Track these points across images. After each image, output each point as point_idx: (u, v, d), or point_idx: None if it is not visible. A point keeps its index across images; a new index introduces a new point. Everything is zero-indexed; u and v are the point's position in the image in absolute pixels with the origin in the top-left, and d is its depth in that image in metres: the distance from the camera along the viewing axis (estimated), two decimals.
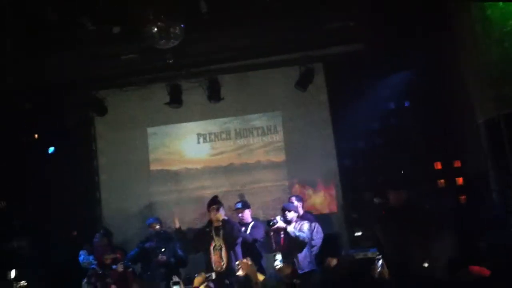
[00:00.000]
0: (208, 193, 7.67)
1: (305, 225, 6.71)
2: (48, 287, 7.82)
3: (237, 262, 6.09)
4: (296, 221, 6.75)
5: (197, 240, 6.83)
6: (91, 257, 7.50)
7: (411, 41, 7.60)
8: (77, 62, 7.83)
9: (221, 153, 8.91)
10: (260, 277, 5.17)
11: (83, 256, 7.57)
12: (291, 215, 6.76)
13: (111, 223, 8.58)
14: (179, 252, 7.44)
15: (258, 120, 8.98)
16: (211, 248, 6.52)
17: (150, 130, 9.11)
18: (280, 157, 8.79)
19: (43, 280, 7.76)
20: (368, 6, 6.95)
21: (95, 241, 7.58)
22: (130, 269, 7.30)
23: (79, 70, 8.19)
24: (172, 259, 7.35)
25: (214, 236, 6.53)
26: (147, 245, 7.49)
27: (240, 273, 5.77)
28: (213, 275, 6.33)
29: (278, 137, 8.86)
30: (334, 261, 5.56)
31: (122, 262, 7.24)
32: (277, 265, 6.29)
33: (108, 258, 7.35)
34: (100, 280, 7.11)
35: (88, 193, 9.12)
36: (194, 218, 8.37)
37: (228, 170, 8.82)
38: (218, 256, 6.43)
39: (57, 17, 6.31)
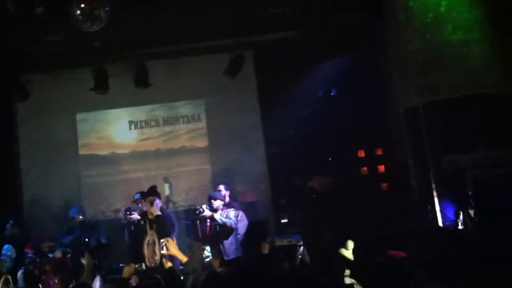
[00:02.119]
0: (136, 176, 8.30)
1: (231, 212, 6.75)
2: None
3: (162, 240, 5.82)
4: (222, 209, 6.77)
5: (133, 233, 6.68)
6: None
7: (342, 29, 7.73)
8: None
9: (148, 138, 9.08)
10: (184, 258, 5.11)
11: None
12: (217, 203, 6.77)
13: (33, 210, 8.45)
14: (104, 240, 7.30)
15: (183, 108, 9.15)
16: (145, 242, 6.35)
17: (79, 116, 9.05)
18: (203, 142, 9.02)
19: None
20: None
21: (6, 232, 7.36)
22: (69, 255, 7.06)
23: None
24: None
25: (148, 230, 6.36)
26: (69, 238, 7.30)
27: (164, 251, 5.63)
28: (143, 266, 6.17)
29: (201, 124, 9.07)
30: (266, 246, 5.59)
31: (60, 249, 7.02)
32: (206, 257, 6.25)
33: (46, 246, 7.12)
34: (39, 268, 6.83)
35: (7, 179, 8.72)
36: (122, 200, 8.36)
37: (155, 154, 8.97)
38: (152, 251, 6.24)
39: None
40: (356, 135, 8.41)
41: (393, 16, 7.16)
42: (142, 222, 6.51)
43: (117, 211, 8.02)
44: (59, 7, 6.26)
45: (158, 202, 6.51)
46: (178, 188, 8.23)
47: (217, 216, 6.63)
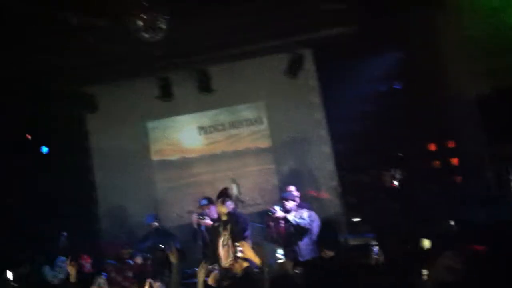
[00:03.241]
0: (205, 178, 8.83)
1: (305, 213, 6.70)
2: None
3: (237, 243, 5.82)
4: (295, 210, 6.72)
5: (207, 235, 6.81)
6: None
7: (401, 21, 7.52)
8: (62, 57, 7.72)
9: (215, 142, 9.32)
10: (258, 260, 5.10)
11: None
12: (290, 204, 6.73)
13: (110, 220, 8.83)
14: (178, 247, 7.41)
15: (246, 111, 9.31)
16: (219, 243, 6.37)
17: (150, 124, 9.39)
18: (266, 143, 9.18)
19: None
20: None
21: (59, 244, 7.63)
22: (150, 261, 7.25)
23: (64, 65, 8.07)
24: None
25: (222, 231, 6.41)
26: (145, 245, 7.47)
27: (239, 254, 5.64)
28: (216, 266, 6.21)
29: (263, 126, 9.22)
30: (330, 253, 5.51)
31: (141, 255, 7.21)
32: (278, 260, 6.21)
33: (125, 253, 7.33)
34: (120, 274, 7.03)
35: (82, 192, 9.03)
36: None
37: (221, 157, 9.20)
38: (226, 252, 6.21)
39: (43, 11, 6.22)
40: (425, 127, 8.13)
41: (455, 4, 6.90)
42: (216, 224, 6.55)
43: (190, 212, 8.12)
44: (121, 19, 6.44)
45: (229, 203, 6.54)
46: (244, 188, 8.45)
47: (290, 217, 6.59)
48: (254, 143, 9.22)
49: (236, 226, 6.34)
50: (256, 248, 5.87)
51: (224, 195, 6.55)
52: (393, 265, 4.46)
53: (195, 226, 7.14)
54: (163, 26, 6.11)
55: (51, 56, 7.63)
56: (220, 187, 7.49)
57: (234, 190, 8.50)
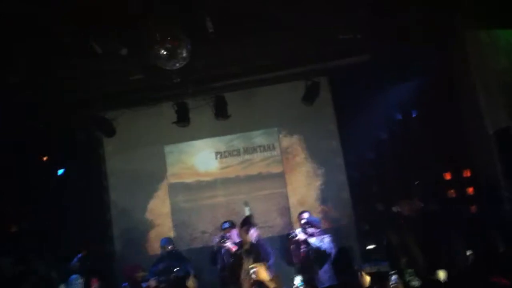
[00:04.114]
0: (219, 200, 9.10)
1: (326, 239, 6.70)
2: None
3: (251, 266, 5.69)
4: (317, 235, 6.73)
5: (229, 261, 6.80)
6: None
7: (418, 50, 7.59)
8: (84, 83, 7.86)
9: (229, 166, 9.48)
10: (271, 285, 5.07)
11: None
12: (312, 229, 6.74)
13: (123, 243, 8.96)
14: (192, 271, 7.43)
15: (259, 137, 9.50)
16: (241, 272, 6.40)
17: (167, 148, 9.56)
18: (278, 168, 9.36)
19: None
20: (374, 18, 6.94)
21: (72, 264, 7.71)
22: (163, 285, 7.28)
23: (86, 91, 8.22)
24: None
25: (244, 259, 6.45)
26: (159, 267, 7.51)
27: (254, 276, 5.61)
28: None
29: (275, 152, 9.41)
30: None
31: (154, 278, 7.25)
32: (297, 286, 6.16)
33: (139, 276, 7.40)
34: None
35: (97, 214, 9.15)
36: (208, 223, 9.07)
37: (235, 181, 9.35)
38: (248, 282, 6.17)
39: (67, 39, 6.37)
40: (440, 157, 8.16)
41: (475, 37, 6.96)
42: (238, 252, 6.57)
43: (204, 232, 8.91)
44: (140, 46, 6.56)
45: (253, 232, 6.56)
46: (256, 211, 8.59)
47: (312, 240, 6.58)
48: (266, 168, 9.36)
49: (259, 255, 6.35)
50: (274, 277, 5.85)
51: (248, 223, 6.57)
52: None
53: (215, 248, 7.18)
54: (185, 55, 6.22)
55: (71, 81, 7.76)
56: (234, 209, 7.72)
57: (246, 212, 8.59)
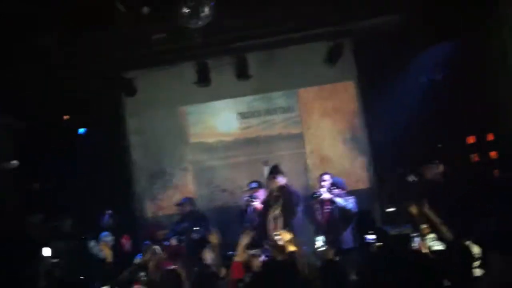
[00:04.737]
0: (239, 160, 9.30)
1: (351, 199, 6.71)
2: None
3: (276, 232, 5.86)
4: (342, 196, 6.74)
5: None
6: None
7: (446, 10, 7.39)
8: (106, 43, 7.84)
9: (249, 127, 9.54)
10: (293, 248, 5.11)
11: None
12: (337, 191, 6.75)
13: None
14: (212, 229, 7.52)
15: (280, 99, 9.46)
16: (269, 216, 6.45)
17: (189, 108, 9.61)
18: (298, 129, 9.38)
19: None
20: None
21: (103, 222, 7.83)
22: (183, 243, 7.38)
23: (108, 51, 8.20)
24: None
25: (273, 205, 6.46)
26: (180, 226, 7.61)
27: (280, 242, 5.65)
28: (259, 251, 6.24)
29: (295, 113, 9.41)
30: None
31: (175, 237, 7.37)
32: (319, 248, 6.19)
33: (160, 234, 7.59)
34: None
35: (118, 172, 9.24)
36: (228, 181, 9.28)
37: (255, 141, 9.44)
38: (274, 226, 6.29)
39: None
40: (463, 120, 8.04)
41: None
42: (267, 199, 6.61)
43: (224, 190, 9.09)
44: (162, 5, 6.48)
45: (281, 179, 6.57)
46: None
47: (339, 199, 6.60)
48: (286, 129, 9.40)
49: (289, 201, 6.37)
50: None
51: (275, 171, 6.58)
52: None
53: (243, 207, 7.24)
54: (208, 13, 6.14)
55: (92, 40, 7.74)
56: (254, 169, 8.06)
57: (265, 172, 8.62)
